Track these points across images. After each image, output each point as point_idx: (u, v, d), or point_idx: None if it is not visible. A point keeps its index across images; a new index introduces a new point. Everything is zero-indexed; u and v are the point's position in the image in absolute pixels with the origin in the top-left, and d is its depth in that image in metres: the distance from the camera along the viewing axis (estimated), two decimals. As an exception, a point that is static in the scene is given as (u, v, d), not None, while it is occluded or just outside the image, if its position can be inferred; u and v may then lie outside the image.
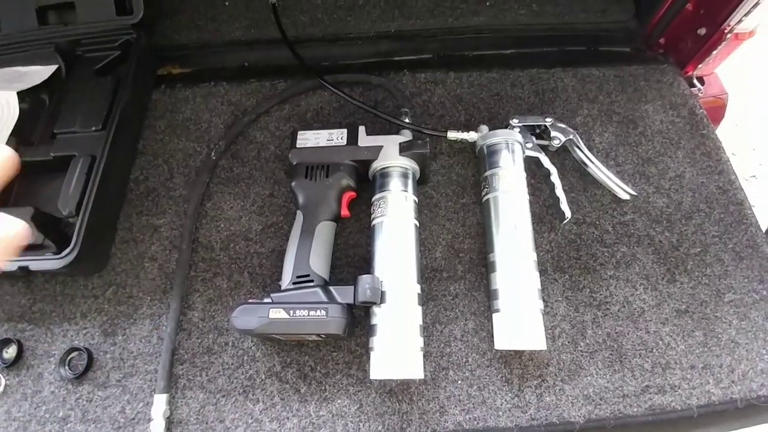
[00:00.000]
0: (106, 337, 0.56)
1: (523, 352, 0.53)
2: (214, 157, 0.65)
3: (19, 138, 0.63)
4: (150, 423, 0.50)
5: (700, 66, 0.74)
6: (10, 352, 0.55)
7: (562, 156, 0.66)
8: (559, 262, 0.59)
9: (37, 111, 0.68)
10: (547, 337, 0.53)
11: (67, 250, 0.54)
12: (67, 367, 0.55)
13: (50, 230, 0.56)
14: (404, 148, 0.57)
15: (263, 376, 0.53)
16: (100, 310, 0.57)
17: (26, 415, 0.52)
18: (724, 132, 0.70)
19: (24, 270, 0.54)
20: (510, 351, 0.53)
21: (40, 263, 0.54)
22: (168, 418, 0.51)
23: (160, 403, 0.51)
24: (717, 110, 0.80)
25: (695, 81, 0.76)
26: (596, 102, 0.70)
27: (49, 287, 0.59)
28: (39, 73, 0.69)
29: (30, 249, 0.55)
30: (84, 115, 0.64)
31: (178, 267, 0.58)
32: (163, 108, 0.71)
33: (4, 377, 0.54)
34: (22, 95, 0.67)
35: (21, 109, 0.65)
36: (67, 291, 0.59)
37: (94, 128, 0.62)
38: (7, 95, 0.66)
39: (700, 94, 0.75)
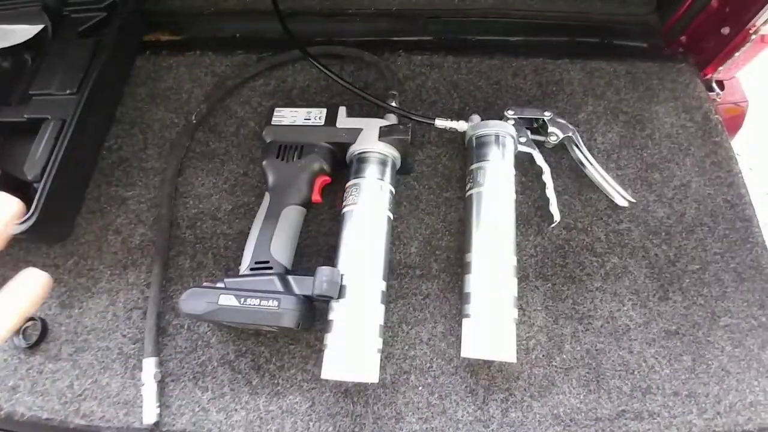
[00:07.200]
0: (62, 308, 0.54)
1: (492, 362, 0.50)
2: (194, 121, 0.62)
3: (-3, 97, 0.62)
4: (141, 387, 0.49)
5: (720, 68, 0.68)
6: (-35, 316, 0.54)
7: (559, 154, 0.61)
8: (543, 268, 0.55)
9: (18, 70, 0.65)
10: (520, 349, 0.50)
11: (26, 215, 0.52)
12: (21, 336, 0.53)
13: (16, 194, 0.54)
14: (384, 133, 0.53)
15: (215, 364, 0.50)
16: (60, 281, 0.56)
17: (-25, 381, 0.51)
18: (741, 144, 0.64)
19: (-20, 233, 0.52)
20: (478, 360, 0.50)
21: (-3, 227, 0.52)
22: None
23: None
24: (735, 118, 0.74)
25: (714, 85, 0.70)
26: (603, 98, 0.65)
27: (13, 253, 0.57)
28: (23, 32, 0.67)
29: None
30: (61, 78, 0.62)
31: (158, 232, 0.56)
32: (146, 75, 0.68)
33: (-44, 341, 0.53)
34: (4, 54, 0.64)
35: (2, 68, 0.63)
36: (30, 258, 0.57)
37: (68, 91, 0.60)
38: (-13, 53, 0.64)
39: (718, 99, 0.69)
